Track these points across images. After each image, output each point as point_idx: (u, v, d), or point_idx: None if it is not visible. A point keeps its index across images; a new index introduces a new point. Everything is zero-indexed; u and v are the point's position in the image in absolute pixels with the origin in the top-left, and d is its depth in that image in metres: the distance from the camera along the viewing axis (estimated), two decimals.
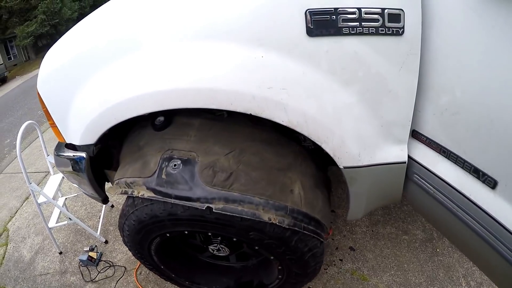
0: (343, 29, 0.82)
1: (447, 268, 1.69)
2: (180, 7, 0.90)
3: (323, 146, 0.94)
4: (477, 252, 0.90)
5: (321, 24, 0.81)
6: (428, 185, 0.94)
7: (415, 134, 0.96)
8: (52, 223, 2.07)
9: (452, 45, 0.80)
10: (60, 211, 2.10)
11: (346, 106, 0.90)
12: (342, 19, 0.81)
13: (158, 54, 0.91)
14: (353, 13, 0.81)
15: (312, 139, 0.93)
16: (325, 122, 0.90)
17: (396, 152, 0.97)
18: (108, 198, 1.42)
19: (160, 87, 0.91)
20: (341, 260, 1.80)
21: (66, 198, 2.28)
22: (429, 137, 0.92)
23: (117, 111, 0.99)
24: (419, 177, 0.97)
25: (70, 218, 2.02)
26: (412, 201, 1.11)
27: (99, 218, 2.31)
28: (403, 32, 0.82)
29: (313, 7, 0.81)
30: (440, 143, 0.89)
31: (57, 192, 2.14)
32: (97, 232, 2.17)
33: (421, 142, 0.95)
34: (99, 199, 1.39)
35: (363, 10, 0.81)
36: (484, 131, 0.77)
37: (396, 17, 0.82)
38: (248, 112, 0.90)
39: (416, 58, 0.85)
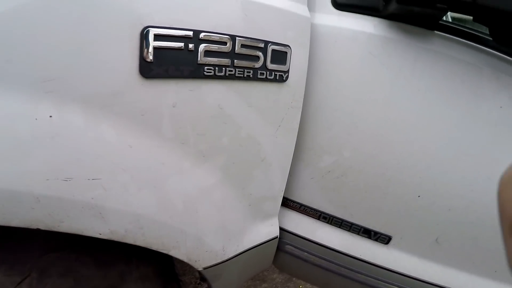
0: (205, 68, 0.48)
1: None
2: None
3: (172, 253, 0.59)
4: None
5: (169, 56, 0.45)
6: (308, 254, 0.82)
7: (286, 202, 0.79)
8: None
9: (343, 95, 0.66)
10: None
11: (204, 192, 0.58)
12: (205, 51, 0.48)
13: None
14: (224, 42, 0.49)
15: (153, 249, 0.57)
16: (172, 222, 0.55)
17: (266, 229, 0.77)
18: None
19: None
20: None
21: None
22: (304, 203, 0.77)
23: None
24: (293, 248, 0.83)
25: None
26: (285, 269, 0.98)
27: None
28: (287, 77, 0.58)
29: (157, 24, 0.43)
30: (319, 209, 0.77)
31: None
32: None
33: (294, 209, 0.80)
34: None
35: (238, 40, 0.50)
36: (378, 192, 0.71)
37: (281, 56, 0.56)
38: (32, 227, 0.44)
39: (297, 113, 0.64)
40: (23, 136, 0.41)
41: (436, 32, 0.65)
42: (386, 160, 0.67)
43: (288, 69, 0.58)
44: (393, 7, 0.57)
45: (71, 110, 0.42)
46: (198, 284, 1.67)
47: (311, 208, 0.76)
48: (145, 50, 0.43)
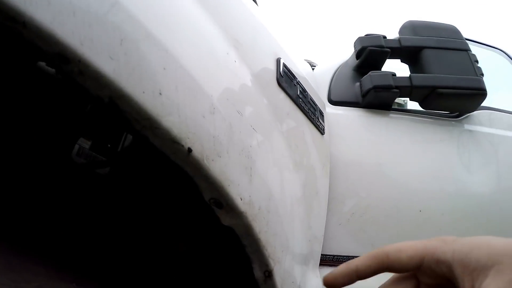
0: (300, 99, 0.69)
1: None
2: None
3: (275, 269, 0.54)
4: None
5: (287, 78, 0.65)
6: None
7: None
8: None
9: (350, 154, 0.89)
10: None
11: (297, 201, 0.64)
12: (299, 90, 0.70)
13: None
14: (304, 90, 0.73)
15: (266, 252, 0.52)
16: (284, 219, 0.56)
17: (315, 280, 0.74)
18: None
19: None
20: None
21: None
22: (336, 254, 0.82)
23: None
24: None
25: None
26: None
27: None
28: (324, 132, 0.81)
29: (283, 59, 0.66)
30: (350, 255, 0.83)
31: None
32: None
33: (326, 264, 0.82)
34: None
35: (308, 95, 0.75)
36: (392, 220, 0.87)
37: (322, 116, 0.81)
38: (168, 154, 0.39)
39: (328, 164, 0.82)
40: (218, 56, 0.50)
41: (391, 111, 1.02)
42: (390, 194, 0.89)
43: (324, 127, 0.82)
44: (366, 100, 0.94)
45: (245, 67, 0.55)
46: None
47: (342, 256, 0.81)
48: (279, 68, 0.63)
